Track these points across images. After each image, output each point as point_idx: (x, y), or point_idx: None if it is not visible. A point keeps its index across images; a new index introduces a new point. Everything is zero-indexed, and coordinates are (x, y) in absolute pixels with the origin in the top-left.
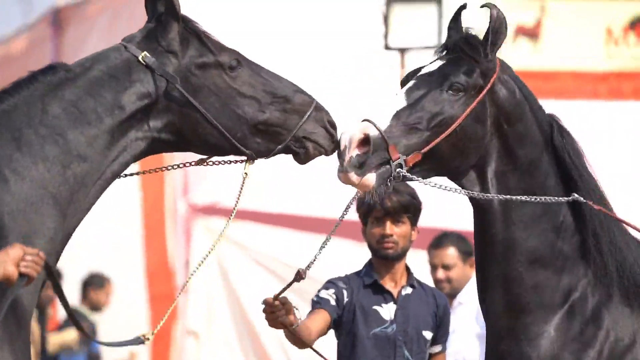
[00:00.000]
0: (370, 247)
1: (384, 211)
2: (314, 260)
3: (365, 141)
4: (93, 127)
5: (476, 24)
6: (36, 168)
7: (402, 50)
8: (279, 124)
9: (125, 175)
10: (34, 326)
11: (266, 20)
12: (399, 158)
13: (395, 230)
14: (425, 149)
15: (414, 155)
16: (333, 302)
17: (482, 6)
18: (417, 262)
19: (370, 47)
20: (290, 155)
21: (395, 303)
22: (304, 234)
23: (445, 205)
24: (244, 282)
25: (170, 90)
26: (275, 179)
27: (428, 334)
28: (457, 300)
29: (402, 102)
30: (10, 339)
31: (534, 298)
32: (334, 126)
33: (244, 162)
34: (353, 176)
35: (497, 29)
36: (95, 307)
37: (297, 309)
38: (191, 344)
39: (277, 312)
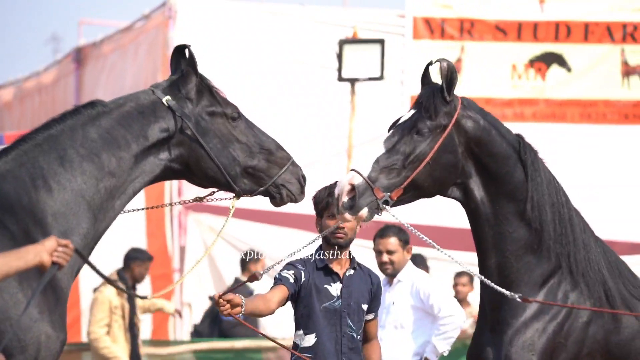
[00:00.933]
0: (324, 236)
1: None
2: (272, 266)
3: (352, 189)
4: (122, 150)
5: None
6: (75, 180)
7: (352, 81)
8: (263, 171)
9: (131, 210)
10: (125, 304)
11: (240, 56)
12: (383, 196)
13: (345, 224)
14: (405, 184)
15: (396, 190)
16: (292, 280)
17: (432, 63)
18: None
19: (327, 78)
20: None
21: (341, 282)
22: (277, 227)
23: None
24: (226, 264)
25: (185, 128)
26: None
27: (365, 306)
28: (397, 279)
29: (381, 150)
30: (49, 312)
31: (520, 277)
32: (305, 180)
33: (232, 198)
34: (348, 216)
35: (449, 77)
36: (137, 280)
37: (243, 299)
38: (186, 312)
39: (222, 307)
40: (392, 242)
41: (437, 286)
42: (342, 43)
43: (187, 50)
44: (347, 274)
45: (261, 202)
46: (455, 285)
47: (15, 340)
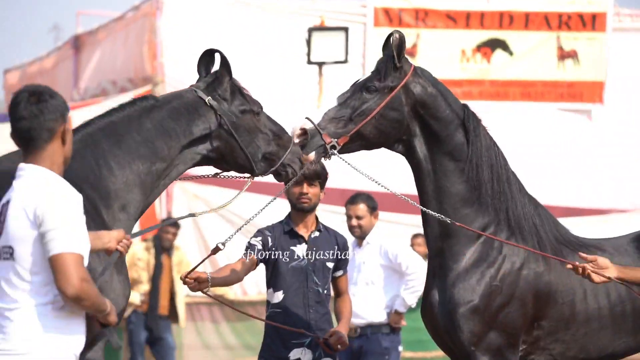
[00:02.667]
0: (291, 202)
1: (302, 176)
2: (231, 237)
3: (304, 132)
4: (172, 140)
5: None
6: (133, 162)
7: (320, 64)
8: (275, 154)
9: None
10: (150, 260)
11: (219, 44)
12: (331, 142)
13: (310, 190)
14: (352, 132)
15: (343, 138)
16: (260, 247)
17: (388, 36)
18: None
19: (296, 62)
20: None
21: (306, 244)
22: (260, 196)
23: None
24: (212, 232)
25: (222, 125)
26: None
27: (330, 264)
28: (365, 241)
29: (334, 103)
30: (117, 273)
31: (457, 228)
32: (303, 157)
33: (249, 178)
34: (309, 156)
35: (398, 46)
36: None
37: (209, 275)
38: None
39: (190, 285)
40: (361, 208)
41: (403, 247)
42: (311, 30)
43: (218, 55)
44: (312, 235)
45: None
46: (412, 245)
47: None
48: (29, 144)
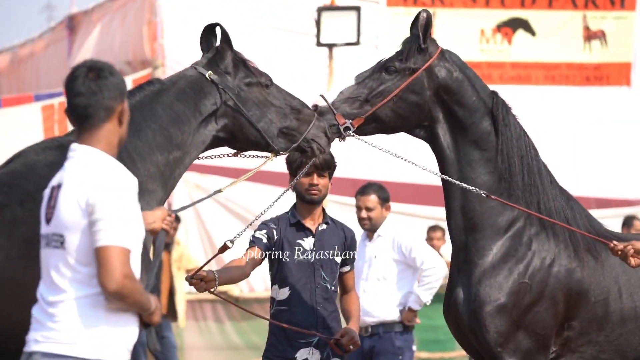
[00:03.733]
0: (298, 193)
1: (312, 166)
2: (240, 234)
3: (315, 109)
4: (185, 125)
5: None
6: (153, 152)
7: (330, 46)
8: (295, 129)
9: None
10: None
11: (223, 23)
12: (345, 122)
13: (319, 181)
14: (367, 114)
15: (357, 119)
16: (265, 240)
17: (417, 15)
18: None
19: (306, 44)
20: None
21: (313, 237)
22: (262, 186)
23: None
24: (216, 226)
25: (227, 100)
26: None
27: (338, 259)
28: (377, 233)
29: (351, 83)
30: (145, 271)
31: (483, 221)
32: (329, 132)
33: (269, 157)
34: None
35: (424, 26)
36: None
37: (216, 274)
38: None
39: (196, 285)
40: (372, 199)
41: (417, 240)
42: (320, 10)
43: (218, 29)
44: (320, 228)
45: (250, 163)
46: (429, 240)
47: None
48: (84, 121)
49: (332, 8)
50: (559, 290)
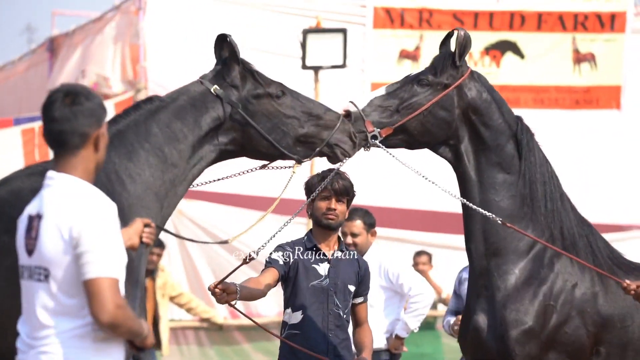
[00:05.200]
0: (315, 218)
1: (332, 191)
2: (264, 245)
3: (348, 114)
4: (181, 143)
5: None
6: (144, 173)
7: (316, 69)
8: (314, 136)
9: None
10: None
11: (208, 45)
12: (373, 130)
13: (337, 206)
14: (397, 124)
15: (386, 129)
16: (281, 262)
17: (447, 34)
18: None
19: (291, 66)
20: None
21: (328, 263)
22: (244, 210)
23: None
24: (196, 248)
25: (234, 114)
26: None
27: (352, 287)
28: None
29: (381, 92)
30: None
31: (505, 245)
32: (355, 135)
33: (293, 165)
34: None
35: (463, 44)
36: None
37: (238, 287)
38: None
39: (218, 295)
40: (357, 224)
41: (405, 266)
42: (306, 32)
43: (228, 40)
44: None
45: (232, 186)
46: (414, 265)
47: None
48: (60, 147)
49: (317, 30)
50: (586, 313)
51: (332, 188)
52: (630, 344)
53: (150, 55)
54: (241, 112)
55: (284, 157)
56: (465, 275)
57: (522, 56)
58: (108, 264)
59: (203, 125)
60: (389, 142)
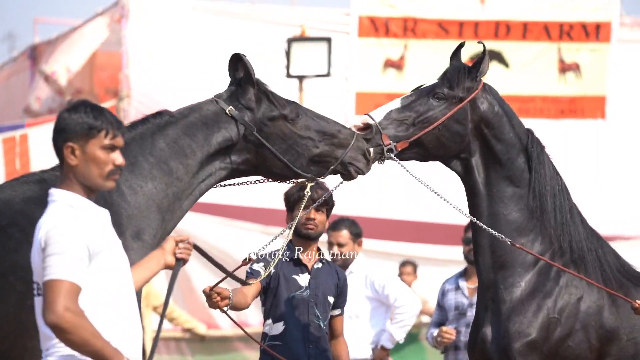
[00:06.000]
0: (295, 228)
1: (311, 201)
2: (265, 246)
3: (367, 127)
4: (189, 158)
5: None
6: (146, 185)
7: (300, 78)
8: (328, 155)
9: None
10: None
11: (191, 54)
12: (390, 144)
13: (317, 216)
14: (413, 138)
15: (402, 142)
16: (263, 273)
17: (458, 46)
18: None
19: (275, 75)
20: None
21: (309, 274)
22: (238, 222)
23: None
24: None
25: (248, 135)
26: None
27: (331, 299)
28: (349, 270)
29: (397, 105)
30: None
31: (512, 258)
32: (369, 153)
33: (307, 183)
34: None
35: (482, 59)
36: None
37: (231, 293)
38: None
39: (213, 299)
40: (344, 234)
41: (391, 277)
42: (290, 41)
43: (243, 60)
44: (316, 266)
45: (221, 197)
46: (400, 275)
47: None
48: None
49: (302, 39)
50: (591, 326)
51: (311, 198)
52: (637, 356)
53: (133, 63)
54: (256, 135)
55: (297, 177)
56: (449, 287)
57: (507, 65)
58: (66, 268)
59: (213, 144)
60: (403, 156)
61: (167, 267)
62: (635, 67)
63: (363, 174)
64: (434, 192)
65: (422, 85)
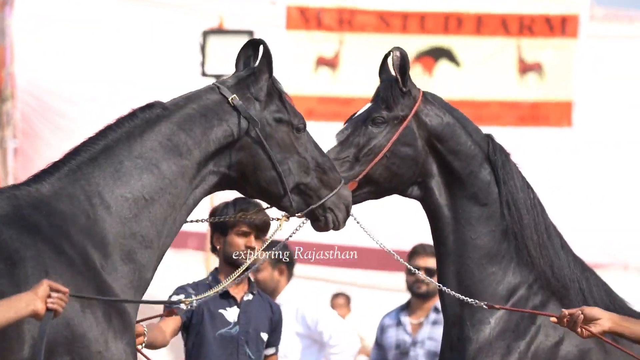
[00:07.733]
0: (225, 255)
1: (252, 226)
2: (266, 251)
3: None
4: (184, 158)
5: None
6: (133, 195)
7: (218, 77)
8: (314, 190)
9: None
10: None
11: (88, 46)
12: None
13: (257, 245)
14: (360, 176)
15: (350, 184)
16: (183, 306)
17: (386, 55)
18: None
19: (188, 74)
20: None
21: (238, 307)
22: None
23: None
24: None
25: (249, 131)
26: None
27: (265, 335)
28: (277, 300)
29: (333, 143)
30: (115, 339)
31: (481, 289)
32: (350, 208)
33: (282, 218)
34: None
35: (401, 66)
36: None
37: (146, 330)
38: None
39: None
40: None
41: (325, 311)
42: (206, 34)
43: (261, 47)
44: (246, 298)
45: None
46: (331, 307)
47: None
48: None
49: (220, 32)
50: None
51: (252, 223)
52: None
53: (19, 59)
54: (258, 132)
55: (281, 199)
56: (388, 322)
57: (458, 64)
58: None
59: (212, 140)
60: (355, 199)
61: (34, 314)
62: (606, 66)
63: (338, 228)
64: (381, 245)
65: (354, 115)
